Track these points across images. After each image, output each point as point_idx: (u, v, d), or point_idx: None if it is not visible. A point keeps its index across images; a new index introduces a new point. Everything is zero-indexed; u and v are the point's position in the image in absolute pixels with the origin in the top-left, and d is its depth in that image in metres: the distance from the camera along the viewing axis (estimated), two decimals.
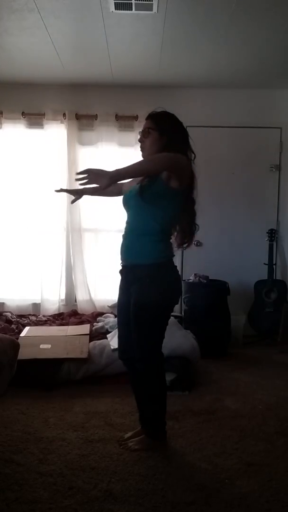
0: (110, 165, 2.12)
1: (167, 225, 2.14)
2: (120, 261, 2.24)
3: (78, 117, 4.33)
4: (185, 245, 2.23)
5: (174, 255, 2.21)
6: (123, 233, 2.22)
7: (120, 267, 2.26)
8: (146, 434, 2.24)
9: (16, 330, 3.62)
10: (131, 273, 2.16)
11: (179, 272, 2.15)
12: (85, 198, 2.29)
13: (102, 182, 1.85)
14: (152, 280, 2.08)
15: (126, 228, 2.21)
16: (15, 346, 2.35)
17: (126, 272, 2.21)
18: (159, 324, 2.16)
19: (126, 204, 2.23)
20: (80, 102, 4.35)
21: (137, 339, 2.14)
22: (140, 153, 2.23)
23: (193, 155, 2.20)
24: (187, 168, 2.11)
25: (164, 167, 2.02)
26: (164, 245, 2.13)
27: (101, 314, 4.10)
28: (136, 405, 2.31)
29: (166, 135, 2.14)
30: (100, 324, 3.72)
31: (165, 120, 2.18)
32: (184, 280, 4.19)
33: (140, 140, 2.22)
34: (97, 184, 1.87)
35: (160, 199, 2.08)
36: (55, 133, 4.35)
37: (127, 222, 2.21)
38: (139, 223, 2.14)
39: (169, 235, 2.18)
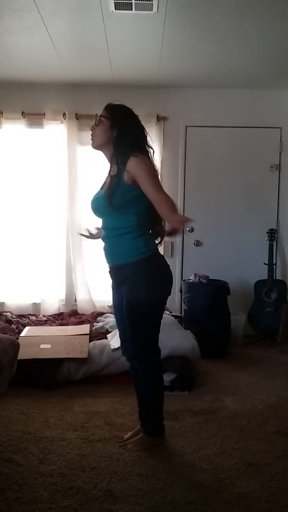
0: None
1: (141, 220, 2.12)
2: (107, 264, 2.25)
3: (78, 117, 4.34)
4: (157, 240, 2.23)
5: (157, 247, 2.21)
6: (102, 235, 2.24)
7: (108, 269, 2.26)
8: (144, 431, 2.24)
9: (16, 330, 3.62)
10: (119, 274, 2.17)
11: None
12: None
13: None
14: (140, 277, 2.09)
15: (102, 232, 2.23)
16: (15, 346, 2.34)
17: (115, 273, 2.21)
18: (153, 320, 2.16)
19: (96, 212, 2.23)
20: (80, 102, 4.35)
21: (132, 337, 2.15)
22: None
23: (151, 150, 2.19)
24: (152, 166, 2.10)
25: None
26: (144, 240, 2.12)
27: (101, 314, 4.10)
28: (137, 403, 2.30)
29: (117, 127, 2.12)
30: (100, 324, 3.72)
31: (120, 112, 2.16)
32: (184, 280, 4.20)
33: (91, 129, 2.20)
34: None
35: (127, 200, 2.08)
36: (55, 133, 4.35)
37: (103, 227, 2.22)
38: (113, 226, 2.15)
39: (147, 228, 2.17)
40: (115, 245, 2.16)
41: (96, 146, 2.19)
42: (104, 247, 2.22)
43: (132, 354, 2.21)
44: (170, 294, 2.23)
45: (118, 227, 2.12)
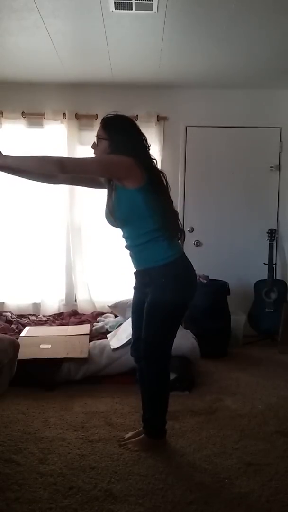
0: None
1: (158, 223, 2.09)
2: (134, 268, 2.26)
3: (78, 117, 4.33)
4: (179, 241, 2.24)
5: (182, 250, 2.21)
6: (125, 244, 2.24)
7: (134, 271, 2.27)
8: (146, 433, 2.24)
9: (16, 330, 3.62)
10: (147, 276, 2.18)
11: None
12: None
13: None
14: (166, 279, 2.10)
15: (125, 242, 2.23)
16: (15, 346, 2.35)
17: (142, 275, 2.22)
18: (171, 323, 2.17)
19: (112, 225, 2.23)
20: (80, 102, 4.34)
21: (146, 337, 2.15)
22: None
23: (153, 160, 2.19)
24: (128, 167, 2.04)
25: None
26: (168, 243, 2.12)
27: (101, 314, 4.10)
28: (141, 404, 2.30)
29: (114, 142, 2.11)
30: (100, 324, 3.72)
31: (114, 126, 2.14)
32: None
33: (92, 147, 2.21)
34: None
35: (134, 204, 2.07)
36: (55, 133, 4.34)
37: (123, 237, 2.23)
38: (133, 234, 2.16)
39: (167, 229, 2.13)
40: (141, 252, 2.17)
41: None
42: (130, 254, 2.23)
43: (142, 355, 2.21)
44: (192, 300, 2.24)
45: (138, 234, 2.13)
